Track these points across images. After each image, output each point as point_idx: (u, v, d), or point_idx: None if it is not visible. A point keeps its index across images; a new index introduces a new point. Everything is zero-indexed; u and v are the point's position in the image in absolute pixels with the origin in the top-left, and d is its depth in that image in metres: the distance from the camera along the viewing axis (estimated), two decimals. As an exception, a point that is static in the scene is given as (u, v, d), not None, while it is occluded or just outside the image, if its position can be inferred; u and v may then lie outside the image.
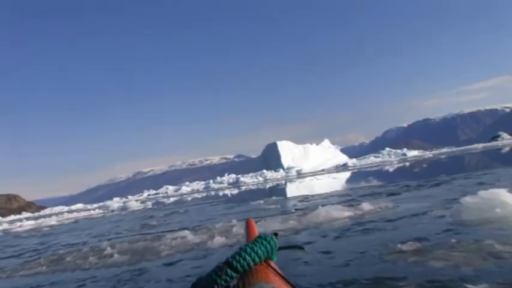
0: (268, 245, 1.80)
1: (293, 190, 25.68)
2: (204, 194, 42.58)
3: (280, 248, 1.94)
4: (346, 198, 11.93)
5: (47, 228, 22.55)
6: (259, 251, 1.77)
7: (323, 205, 9.05)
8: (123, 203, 36.71)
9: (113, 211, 31.70)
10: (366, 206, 8.43)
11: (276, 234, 1.90)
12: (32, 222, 31.99)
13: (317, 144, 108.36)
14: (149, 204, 31.88)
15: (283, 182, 40.98)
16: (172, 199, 43.38)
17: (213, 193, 41.35)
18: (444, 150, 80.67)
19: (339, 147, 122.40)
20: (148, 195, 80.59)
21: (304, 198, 14.57)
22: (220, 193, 37.82)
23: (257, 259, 1.75)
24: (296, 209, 10.58)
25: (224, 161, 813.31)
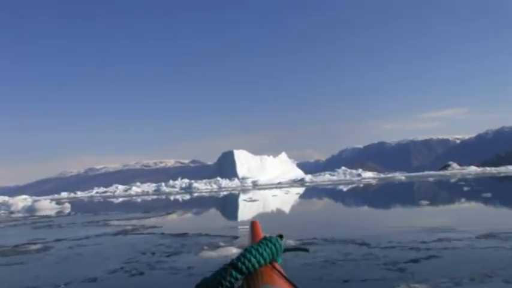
0: (273, 247, 1.80)
1: (267, 211, 15.50)
2: (155, 197, 41.31)
3: (285, 250, 1.95)
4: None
5: None
6: (264, 253, 1.76)
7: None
8: (33, 201, 30.36)
9: (11, 213, 24.41)
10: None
11: (281, 236, 1.89)
12: None
13: (274, 156, 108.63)
14: (68, 206, 25.16)
15: (237, 192, 40.18)
16: (120, 199, 41.79)
17: (163, 197, 40.08)
18: (397, 174, 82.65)
19: (295, 162, 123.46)
20: (97, 192, 78.25)
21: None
22: (171, 198, 36.61)
23: (262, 261, 1.75)
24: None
25: (179, 165, 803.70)
